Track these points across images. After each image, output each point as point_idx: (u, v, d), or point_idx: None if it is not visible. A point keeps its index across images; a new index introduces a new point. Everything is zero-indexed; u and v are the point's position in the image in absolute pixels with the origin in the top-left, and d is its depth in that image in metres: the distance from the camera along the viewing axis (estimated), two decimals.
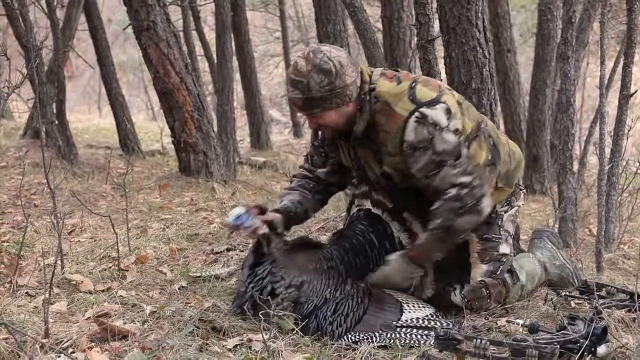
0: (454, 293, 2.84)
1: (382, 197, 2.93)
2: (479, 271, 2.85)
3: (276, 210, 2.92)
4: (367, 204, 2.97)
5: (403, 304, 2.74)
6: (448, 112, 2.67)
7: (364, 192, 2.98)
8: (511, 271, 2.92)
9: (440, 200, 2.71)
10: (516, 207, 3.01)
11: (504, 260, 2.88)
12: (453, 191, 2.69)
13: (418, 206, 2.86)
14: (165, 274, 3.32)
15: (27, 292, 3.00)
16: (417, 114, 2.65)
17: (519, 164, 3.01)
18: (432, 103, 2.67)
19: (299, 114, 2.80)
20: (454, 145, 2.67)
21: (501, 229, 2.92)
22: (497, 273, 2.85)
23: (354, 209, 3.03)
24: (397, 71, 2.84)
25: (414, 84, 2.72)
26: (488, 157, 2.83)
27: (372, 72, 2.79)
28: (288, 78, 2.71)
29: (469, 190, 2.68)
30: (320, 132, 2.98)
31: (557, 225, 3.93)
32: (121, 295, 2.96)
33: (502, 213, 2.93)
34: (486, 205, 2.74)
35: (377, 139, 2.76)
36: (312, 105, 2.68)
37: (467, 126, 2.77)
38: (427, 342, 2.49)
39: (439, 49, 3.99)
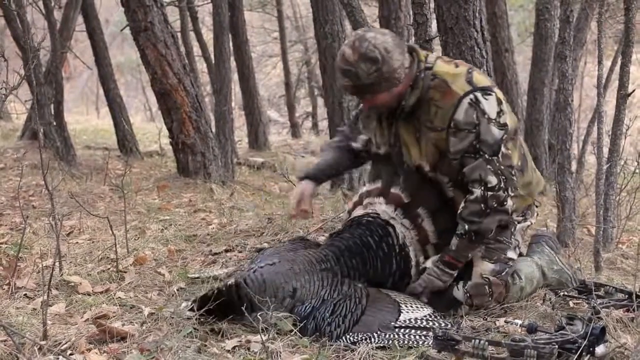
0: (457, 287, 2.85)
1: (400, 191, 2.96)
2: (486, 268, 2.87)
3: (306, 177, 3.11)
4: (379, 202, 3.00)
5: (401, 304, 2.75)
6: (499, 102, 2.79)
7: (378, 189, 3.02)
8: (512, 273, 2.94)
9: (466, 202, 2.81)
10: (529, 223, 3.07)
11: (510, 264, 2.93)
12: (477, 192, 2.78)
13: (435, 202, 2.94)
14: (163, 275, 3.31)
15: (25, 294, 3.00)
16: (471, 96, 2.76)
17: (539, 181, 3.10)
18: (486, 90, 2.78)
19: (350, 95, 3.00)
20: (495, 140, 2.76)
21: (512, 236, 2.97)
22: (502, 274, 2.88)
23: (359, 211, 3.04)
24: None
25: (470, 70, 2.84)
26: (518, 163, 2.92)
27: (427, 54, 2.89)
28: (337, 67, 2.82)
29: (493, 193, 2.78)
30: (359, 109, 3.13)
31: (555, 228, 3.93)
32: (120, 297, 2.96)
33: (516, 222, 2.98)
34: (510, 205, 2.83)
35: (426, 114, 2.84)
36: (363, 91, 2.80)
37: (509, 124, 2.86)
38: (426, 343, 2.49)
39: (437, 49, 4.00)
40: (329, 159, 3.16)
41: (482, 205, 2.78)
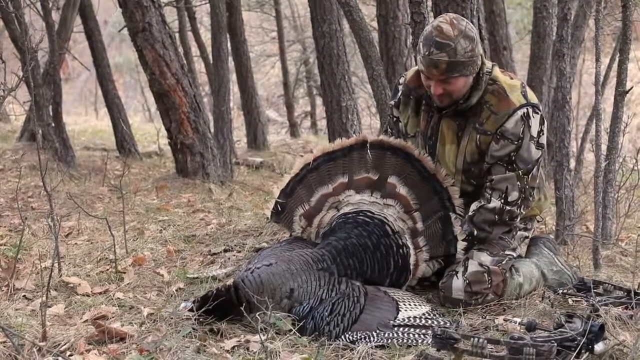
0: (456, 277, 2.87)
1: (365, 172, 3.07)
2: (485, 259, 2.92)
3: None
4: (349, 194, 3.08)
5: (399, 303, 2.75)
6: (542, 122, 2.88)
7: (342, 185, 3.10)
8: (510, 268, 2.98)
9: (480, 207, 2.92)
10: (527, 235, 3.15)
11: (509, 258, 2.99)
12: (497, 203, 2.88)
13: (400, 165, 3.04)
14: (162, 275, 3.31)
15: (24, 295, 3.00)
16: (524, 109, 2.83)
17: (546, 200, 3.23)
18: (536, 108, 2.86)
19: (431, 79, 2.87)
20: (532, 159, 2.87)
21: (513, 239, 3.05)
22: (502, 263, 2.93)
23: (328, 216, 3.10)
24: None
25: (524, 85, 2.91)
26: (537, 182, 3.03)
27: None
28: (431, 39, 2.76)
29: (510, 208, 2.89)
30: (398, 94, 3.10)
31: (554, 226, 3.93)
32: (118, 298, 2.96)
33: (517, 228, 3.07)
34: (517, 222, 2.99)
35: (477, 116, 2.89)
36: (454, 69, 2.77)
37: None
38: (425, 342, 2.49)
39: None
40: None
41: (496, 217, 2.89)
